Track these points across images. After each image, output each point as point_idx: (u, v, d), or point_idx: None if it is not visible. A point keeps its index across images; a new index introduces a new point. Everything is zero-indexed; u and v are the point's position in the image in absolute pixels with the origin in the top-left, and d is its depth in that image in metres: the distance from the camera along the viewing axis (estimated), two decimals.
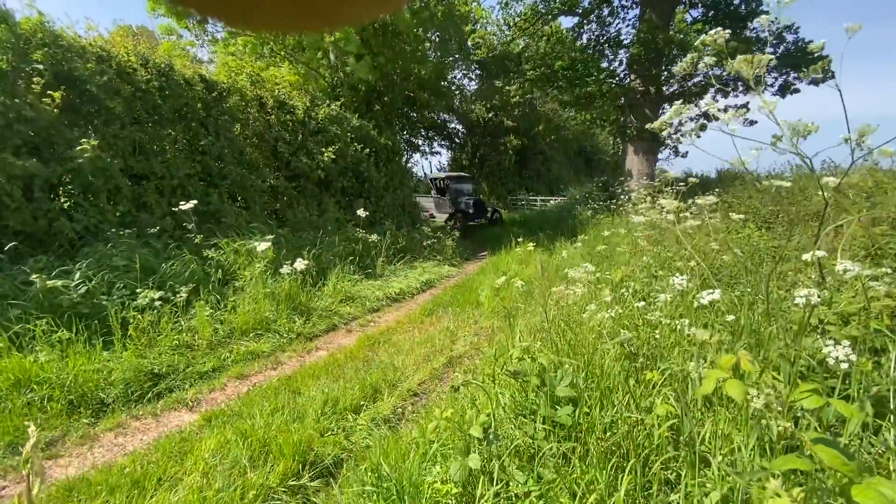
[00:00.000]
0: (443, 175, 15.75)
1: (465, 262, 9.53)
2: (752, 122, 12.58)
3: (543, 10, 13.57)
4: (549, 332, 2.24)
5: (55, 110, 4.51)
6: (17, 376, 2.82)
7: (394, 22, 9.94)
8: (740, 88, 11.68)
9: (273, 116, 7.25)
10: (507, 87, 14.56)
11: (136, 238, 4.61)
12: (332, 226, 7.37)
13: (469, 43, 15.34)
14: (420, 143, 24.06)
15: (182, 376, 3.37)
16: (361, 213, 6.95)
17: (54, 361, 3.03)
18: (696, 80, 12.06)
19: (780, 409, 0.88)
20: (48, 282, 3.55)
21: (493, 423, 1.76)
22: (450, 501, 1.56)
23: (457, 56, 15.82)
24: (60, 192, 4.69)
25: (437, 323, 4.74)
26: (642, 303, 1.85)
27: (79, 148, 4.48)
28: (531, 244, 5.20)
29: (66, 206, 4.63)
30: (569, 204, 15.54)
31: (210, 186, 5.94)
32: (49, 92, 4.47)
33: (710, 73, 11.81)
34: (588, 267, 1.97)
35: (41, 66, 4.50)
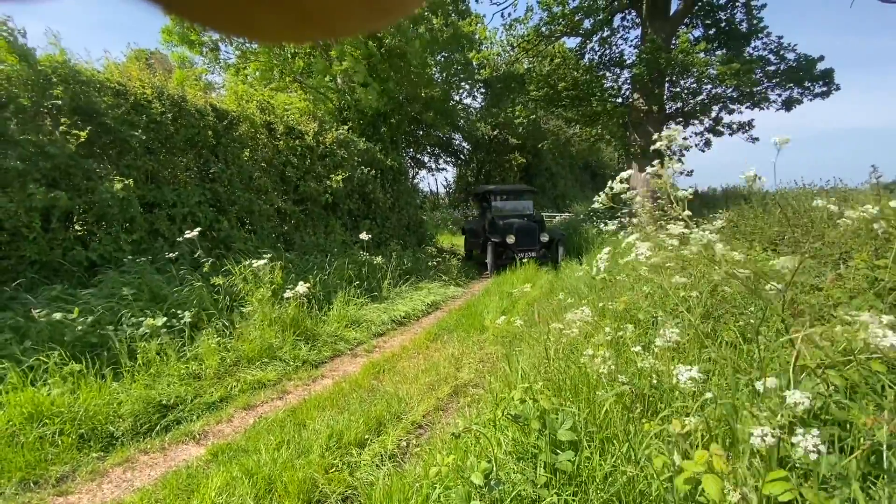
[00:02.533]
0: (487, 189, 11.51)
1: (471, 281, 9.56)
2: (755, 140, 12.65)
3: (546, 33, 13.82)
4: (550, 371, 2.26)
5: (75, 145, 4.67)
6: (31, 410, 2.88)
7: (400, 48, 10.18)
8: (745, 104, 11.76)
9: (282, 142, 7.41)
10: (512, 108, 14.72)
11: (150, 265, 4.71)
12: (338, 248, 7.46)
13: (474, 62, 15.57)
14: (426, 160, 24.37)
15: (189, 407, 3.42)
16: (364, 236, 7.03)
17: (66, 395, 3.09)
18: (698, 98, 12.16)
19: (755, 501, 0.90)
20: (54, 314, 3.64)
21: (494, 468, 1.78)
22: None
23: (462, 76, 16.08)
24: (75, 221, 4.84)
25: (443, 349, 4.75)
26: (639, 347, 1.87)
27: (117, 186, 4.68)
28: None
29: (79, 234, 4.77)
30: (574, 220, 15.56)
31: (220, 213, 6.07)
32: (75, 131, 4.65)
33: (714, 90, 11.95)
34: (586, 311, 2.00)
35: (60, 102, 4.67)
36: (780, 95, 11.02)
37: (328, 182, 7.88)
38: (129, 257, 4.75)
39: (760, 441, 0.88)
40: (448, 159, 25.56)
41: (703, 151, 12.88)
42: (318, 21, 0.21)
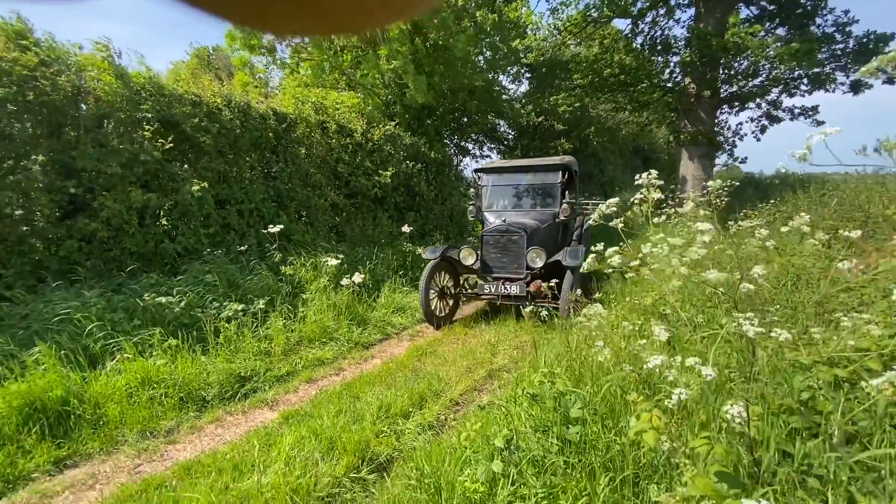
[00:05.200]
0: (496, 164, 7.15)
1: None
2: (820, 123, 11.86)
3: (596, 15, 13.51)
4: (570, 360, 2.57)
5: (161, 152, 5.40)
6: (142, 376, 3.56)
7: (445, 42, 10.43)
8: (804, 87, 11.06)
9: (334, 140, 7.97)
10: (555, 97, 14.56)
11: (225, 256, 5.41)
12: (385, 239, 7.98)
13: (521, 46, 15.36)
14: (470, 146, 24.53)
15: (262, 379, 4.03)
16: (406, 229, 7.49)
17: (167, 365, 3.76)
18: (756, 81, 11.54)
19: (684, 450, 1.20)
20: (156, 298, 4.36)
21: (514, 437, 2.14)
22: (476, 497, 1.96)
23: (507, 61, 15.95)
24: (162, 217, 5.61)
25: (479, 335, 5.13)
26: (644, 341, 2.15)
27: (195, 188, 5.41)
28: None
29: (166, 229, 5.53)
30: (623, 205, 15.28)
31: (281, 208, 6.72)
32: (161, 140, 5.38)
33: (774, 71, 11.28)
34: (599, 307, 2.28)
35: (149, 115, 5.39)
36: (847, 77, 10.26)
37: (377, 177, 8.40)
38: (208, 249, 5.47)
39: (677, 398, 1.18)
40: (492, 146, 25.57)
41: (758, 140, 12.23)
42: (334, 15, 0.21)
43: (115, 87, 5.30)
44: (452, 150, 20.63)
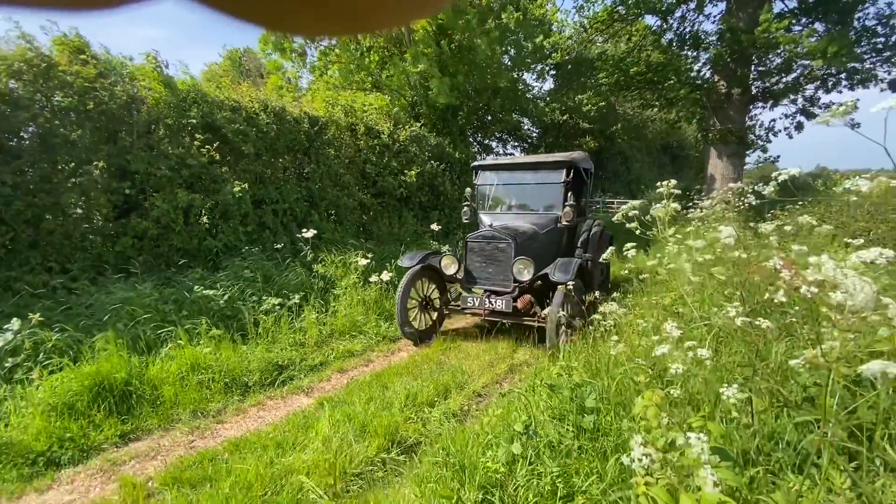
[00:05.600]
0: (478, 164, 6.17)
1: None
2: (856, 125, 11.45)
3: (623, 11, 13.38)
4: (588, 355, 2.73)
5: (205, 157, 5.79)
6: (192, 362, 3.90)
7: (469, 43, 10.59)
8: (843, 84, 10.72)
9: (362, 141, 8.27)
10: (580, 95, 14.48)
11: (262, 253, 5.76)
12: (410, 238, 8.23)
13: (546, 44, 15.28)
14: (494, 144, 24.60)
15: (298, 368, 4.32)
16: (435, 227, 7.71)
17: (212, 353, 4.10)
18: (790, 77, 11.23)
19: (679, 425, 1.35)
20: (203, 291, 4.73)
21: (532, 423, 2.33)
22: (496, 476, 2.16)
23: (532, 59, 15.88)
24: (204, 216, 6.00)
25: (502, 332, 5.31)
26: (657, 337, 2.28)
27: (236, 189, 5.79)
28: None
29: (207, 227, 5.92)
30: (645, 208, 15.11)
31: (312, 207, 7.06)
32: (207, 146, 5.78)
33: (810, 67, 10.94)
34: (615, 305, 2.43)
35: (194, 121, 5.78)
36: (888, 73, 9.88)
37: (402, 177, 8.66)
38: (246, 247, 5.84)
39: (675, 371, 1.34)
40: (516, 144, 25.59)
41: (791, 137, 11.90)
42: (352, 16, 0.21)
43: (163, 94, 5.72)
44: (476, 149, 20.76)
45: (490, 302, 4.65)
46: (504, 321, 4.88)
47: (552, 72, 19.82)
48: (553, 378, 2.54)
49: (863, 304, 1.02)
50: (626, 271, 6.51)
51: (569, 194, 5.30)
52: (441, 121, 11.29)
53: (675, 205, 2.48)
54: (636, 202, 2.71)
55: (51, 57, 4.83)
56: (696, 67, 12.66)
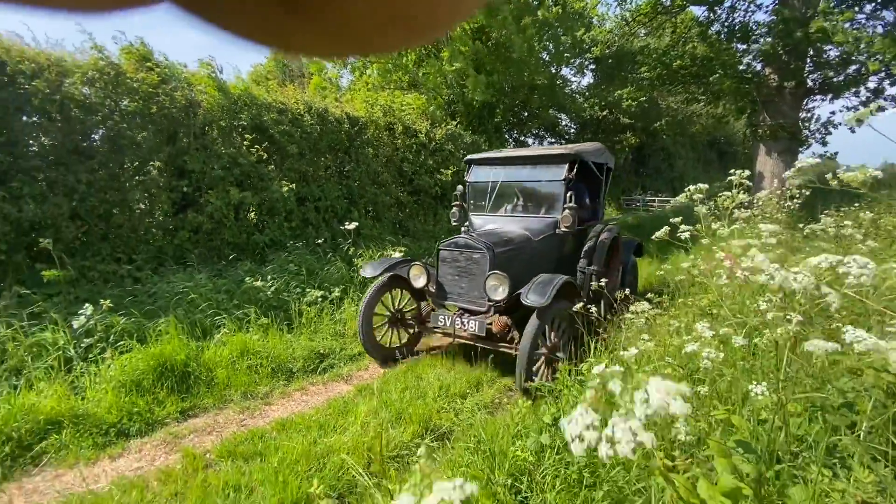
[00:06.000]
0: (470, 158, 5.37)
1: None
2: None
3: (668, 3, 12.93)
4: (616, 353, 2.77)
5: (254, 156, 6.14)
6: (242, 348, 4.20)
7: (506, 40, 10.59)
8: None
9: (400, 140, 8.48)
10: (621, 91, 14.12)
11: (305, 248, 6.07)
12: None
13: (586, 38, 14.94)
14: (531, 141, 24.38)
15: (338, 357, 4.56)
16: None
17: (260, 340, 4.39)
18: (852, 69, 10.53)
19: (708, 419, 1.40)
20: (253, 283, 5.05)
21: (561, 415, 2.41)
22: (525, 464, 2.26)
23: (571, 53, 15.56)
24: (252, 212, 6.37)
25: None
26: (685, 336, 2.30)
27: (284, 189, 6.13)
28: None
29: (255, 223, 6.29)
30: (687, 206, 14.60)
31: (352, 204, 7.34)
32: (256, 146, 6.13)
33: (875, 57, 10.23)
34: (645, 304, 2.47)
35: (245, 123, 6.15)
36: None
37: (438, 175, 8.82)
38: (290, 241, 6.16)
39: (705, 362, 1.39)
40: (552, 141, 25.26)
41: (853, 131, 11.13)
42: (353, 38, 0.21)
43: (217, 98, 6.11)
44: (512, 146, 20.64)
45: (462, 322, 3.91)
46: (477, 345, 4.04)
47: (591, 66, 19.45)
48: (583, 373, 2.60)
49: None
50: (662, 272, 6.40)
51: (570, 195, 4.42)
52: (477, 119, 11.36)
53: (743, 195, 2.29)
54: (679, 198, 2.60)
55: (119, 65, 5.28)
56: (745, 60, 12.07)
